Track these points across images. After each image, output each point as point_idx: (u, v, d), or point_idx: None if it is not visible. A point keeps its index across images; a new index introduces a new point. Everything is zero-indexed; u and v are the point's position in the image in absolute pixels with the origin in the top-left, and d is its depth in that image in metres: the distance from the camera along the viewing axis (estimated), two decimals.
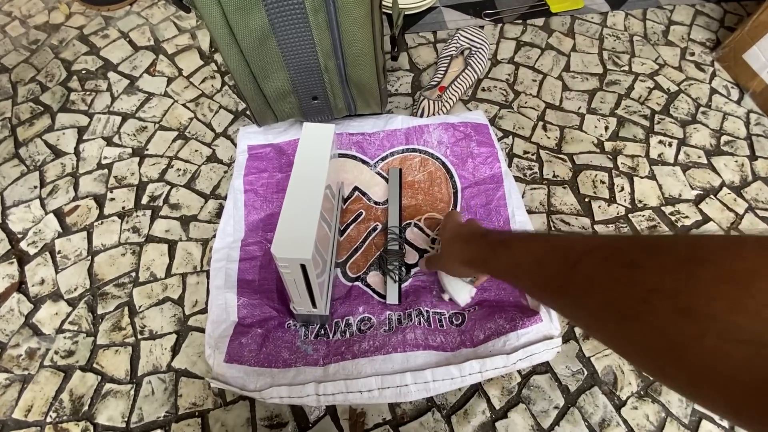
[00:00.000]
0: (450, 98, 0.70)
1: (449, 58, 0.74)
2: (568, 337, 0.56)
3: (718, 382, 0.18)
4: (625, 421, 0.51)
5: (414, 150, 0.66)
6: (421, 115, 0.69)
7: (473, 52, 0.75)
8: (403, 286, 0.57)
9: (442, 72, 0.73)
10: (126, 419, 0.51)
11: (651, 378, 0.27)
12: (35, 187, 0.66)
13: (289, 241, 0.40)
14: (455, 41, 0.76)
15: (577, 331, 0.57)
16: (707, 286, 0.19)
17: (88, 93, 0.76)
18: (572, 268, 0.27)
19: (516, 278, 0.36)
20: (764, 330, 0.17)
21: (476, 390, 0.53)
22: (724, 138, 0.74)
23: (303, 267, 0.41)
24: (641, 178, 0.69)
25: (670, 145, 0.72)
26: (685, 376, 0.20)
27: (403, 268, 0.58)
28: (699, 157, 0.71)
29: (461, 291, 0.53)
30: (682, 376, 0.20)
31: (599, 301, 0.24)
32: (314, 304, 0.49)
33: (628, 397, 0.53)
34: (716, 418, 0.52)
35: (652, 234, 0.27)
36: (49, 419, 0.51)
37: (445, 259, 0.49)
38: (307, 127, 0.50)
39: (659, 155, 0.71)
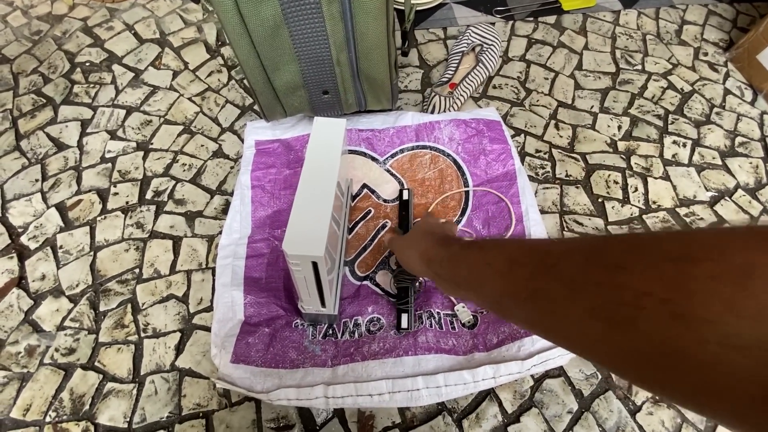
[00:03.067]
0: (461, 95, 0.69)
1: (460, 54, 0.73)
2: None
3: (722, 393, 0.17)
4: (640, 427, 0.50)
5: (424, 147, 0.65)
6: (432, 112, 0.68)
7: (485, 49, 0.73)
8: None
9: (453, 68, 0.72)
10: (128, 419, 0.49)
11: (646, 390, 0.24)
12: (36, 181, 0.65)
13: (300, 238, 0.39)
14: (466, 37, 0.74)
15: None
16: (702, 286, 0.17)
17: (91, 85, 0.74)
18: (550, 271, 0.24)
19: (480, 283, 0.31)
20: (766, 334, 0.15)
21: (488, 394, 0.51)
22: (738, 139, 0.72)
23: (314, 264, 0.40)
24: (655, 178, 0.67)
25: (684, 145, 0.71)
26: (687, 387, 0.18)
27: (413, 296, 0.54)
28: (713, 158, 0.70)
29: None
30: (683, 388, 0.18)
31: (583, 307, 0.21)
32: (323, 303, 0.47)
33: (643, 403, 0.52)
34: None
35: (633, 232, 0.23)
36: (48, 419, 0.49)
37: (405, 243, 0.45)
38: (318, 121, 0.49)
39: (673, 156, 0.70)
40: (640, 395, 0.52)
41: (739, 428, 0.17)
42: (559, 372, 0.53)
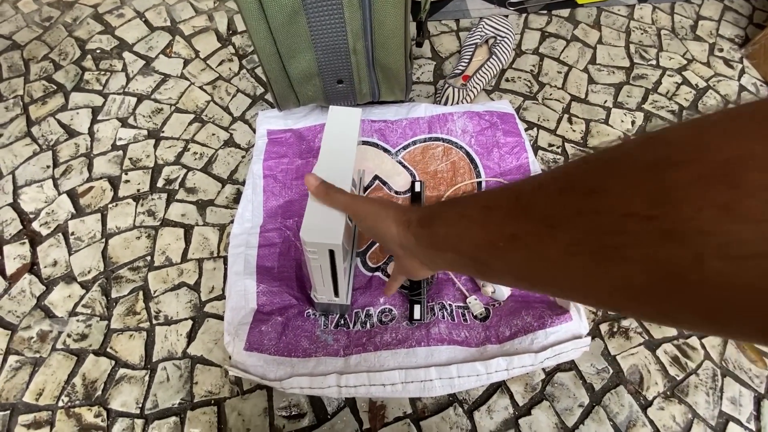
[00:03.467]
0: (474, 87, 0.69)
1: (474, 46, 0.72)
2: (593, 335, 0.55)
3: (735, 311, 0.14)
4: (651, 422, 0.50)
5: (437, 139, 0.64)
6: (446, 103, 0.67)
7: (498, 41, 0.73)
8: None
9: (467, 60, 0.71)
10: (140, 405, 0.50)
11: (652, 322, 0.20)
12: (48, 167, 0.65)
13: (318, 226, 0.39)
14: (480, 29, 0.74)
15: (602, 328, 0.55)
16: (689, 193, 0.14)
17: (102, 73, 0.74)
18: (525, 210, 0.21)
19: (458, 239, 0.27)
20: None
21: (499, 386, 0.51)
22: None
23: (331, 253, 0.40)
24: None
25: None
26: (694, 313, 0.16)
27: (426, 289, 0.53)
28: None
29: None
30: (689, 316, 0.16)
31: (562, 244, 0.19)
32: (337, 293, 0.47)
33: (655, 398, 0.52)
34: (743, 419, 0.51)
35: (608, 146, 0.19)
36: (61, 403, 0.50)
37: (373, 208, 0.36)
38: (333, 110, 0.48)
39: None
40: (652, 390, 0.52)
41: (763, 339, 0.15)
42: (571, 366, 0.53)
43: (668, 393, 0.52)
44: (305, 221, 0.39)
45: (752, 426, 0.51)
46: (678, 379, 0.53)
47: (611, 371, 0.53)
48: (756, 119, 0.14)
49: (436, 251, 0.31)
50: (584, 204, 0.18)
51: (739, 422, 0.51)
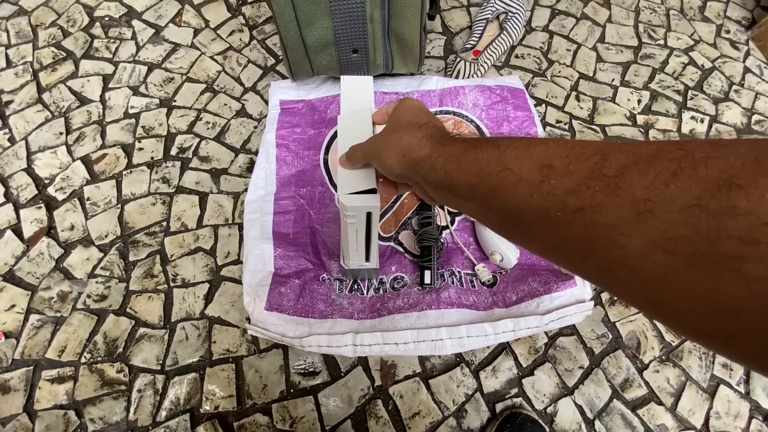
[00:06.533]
0: (485, 62, 0.69)
1: (485, 21, 0.73)
2: (594, 302, 0.57)
3: None
4: (646, 383, 0.53)
5: (448, 112, 0.65)
6: (456, 77, 0.68)
7: (509, 17, 0.73)
8: None
9: (477, 36, 0.71)
10: (161, 362, 0.52)
11: (711, 349, 0.18)
12: (61, 134, 0.65)
13: (354, 191, 0.39)
14: (491, 5, 0.74)
15: (603, 296, 0.58)
16: None
17: (112, 41, 0.74)
18: (610, 184, 0.17)
19: (491, 193, 0.22)
20: None
21: (504, 348, 0.54)
22: (755, 117, 0.73)
23: (368, 215, 0.41)
24: None
25: (702, 121, 0.72)
26: None
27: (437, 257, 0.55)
28: (730, 134, 0.71)
29: (511, 248, 0.53)
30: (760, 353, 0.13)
31: (656, 237, 0.15)
32: (368, 258, 0.49)
33: (651, 361, 0.54)
34: (733, 383, 0.54)
35: (753, 138, 0.15)
36: (83, 359, 0.52)
37: (381, 139, 0.32)
38: (345, 79, 0.48)
39: (691, 131, 0.71)
40: (648, 354, 0.55)
41: None
42: (572, 331, 0.55)
43: (663, 357, 0.55)
44: (341, 187, 0.39)
45: (741, 389, 0.54)
46: (673, 344, 0.55)
47: (610, 336, 0.55)
48: None
49: (452, 195, 0.26)
50: (710, 197, 0.14)
51: (729, 385, 0.54)
